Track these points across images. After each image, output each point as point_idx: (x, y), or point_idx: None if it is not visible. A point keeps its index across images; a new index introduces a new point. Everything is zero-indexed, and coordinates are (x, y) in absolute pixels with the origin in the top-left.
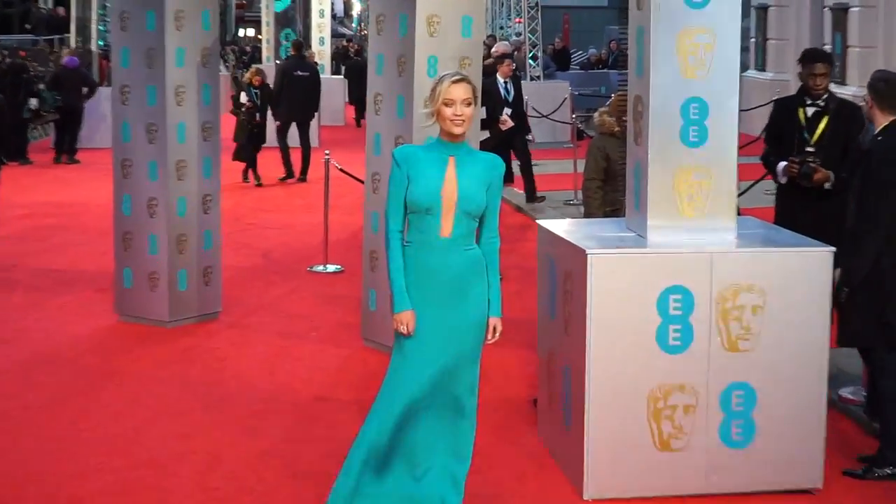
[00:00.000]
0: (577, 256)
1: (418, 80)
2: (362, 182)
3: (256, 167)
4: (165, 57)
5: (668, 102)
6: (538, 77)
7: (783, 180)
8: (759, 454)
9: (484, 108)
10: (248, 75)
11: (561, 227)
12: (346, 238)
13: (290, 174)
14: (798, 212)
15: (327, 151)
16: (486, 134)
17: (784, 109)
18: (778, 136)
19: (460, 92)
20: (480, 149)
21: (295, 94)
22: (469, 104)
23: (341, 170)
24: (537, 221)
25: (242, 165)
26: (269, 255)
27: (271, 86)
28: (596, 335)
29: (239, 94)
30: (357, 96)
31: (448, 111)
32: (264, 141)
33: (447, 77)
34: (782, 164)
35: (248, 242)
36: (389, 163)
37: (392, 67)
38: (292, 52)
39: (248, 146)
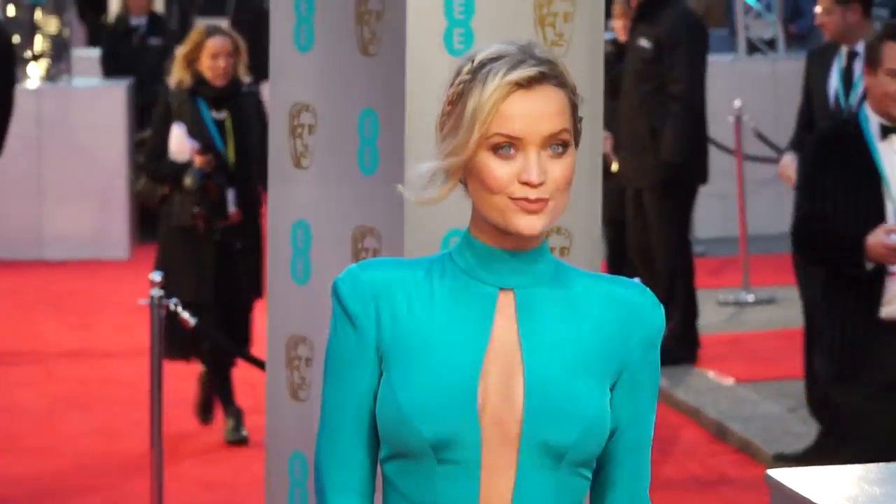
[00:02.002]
0: None
1: (415, 68)
2: (261, 366)
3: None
4: None
5: None
6: (769, 45)
7: None
8: None
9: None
10: (177, 72)
11: (842, 481)
12: None
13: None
14: None
15: (156, 275)
16: None
17: None
18: None
19: (538, 112)
20: None
21: None
22: (564, 146)
23: (198, 328)
24: (768, 473)
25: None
26: None
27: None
28: None
29: (163, 125)
30: None
31: (502, 169)
32: (260, 286)
33: (500, 64)
34: None
35: None
36: (329, 307)
37: (341, 31)
38: None
39: (219, 294)
